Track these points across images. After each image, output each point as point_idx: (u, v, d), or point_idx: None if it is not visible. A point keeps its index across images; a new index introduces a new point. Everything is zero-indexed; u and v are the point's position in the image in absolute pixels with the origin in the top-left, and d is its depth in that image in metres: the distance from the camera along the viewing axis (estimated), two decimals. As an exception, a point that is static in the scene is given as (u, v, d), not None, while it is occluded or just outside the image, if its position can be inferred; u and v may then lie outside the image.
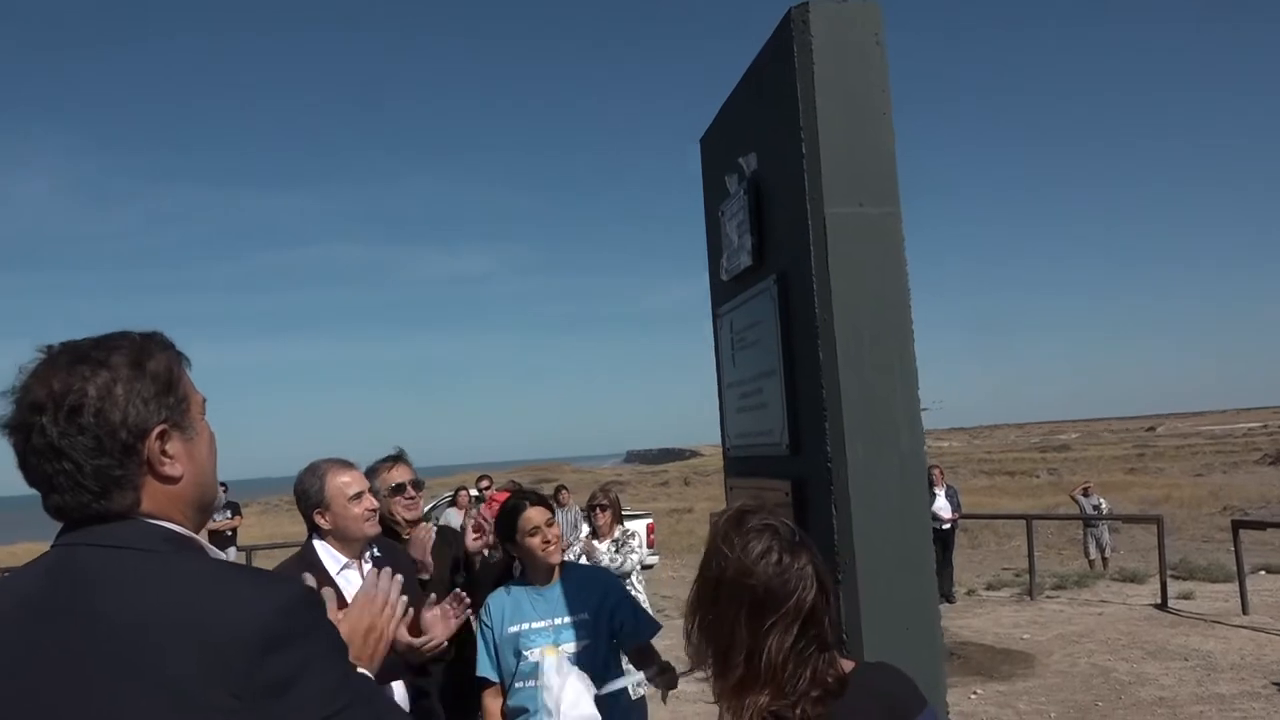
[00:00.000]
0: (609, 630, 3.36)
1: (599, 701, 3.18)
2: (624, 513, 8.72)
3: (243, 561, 16.20)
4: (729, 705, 1.63)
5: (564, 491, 14.44)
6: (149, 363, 1.37)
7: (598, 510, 7.54)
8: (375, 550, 3.32)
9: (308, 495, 3.24)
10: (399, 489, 3.74)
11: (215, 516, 15.72)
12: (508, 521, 3.39)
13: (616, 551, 7.15)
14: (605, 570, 3.87)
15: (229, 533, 15.76)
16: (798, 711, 1.59)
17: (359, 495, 3.23)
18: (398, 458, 3.84)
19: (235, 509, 16.06)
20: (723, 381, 3.21)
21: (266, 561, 18.55)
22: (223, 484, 16.24)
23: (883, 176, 2.38)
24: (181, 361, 1.44)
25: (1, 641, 1.26)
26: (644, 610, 3.64)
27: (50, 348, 1.37)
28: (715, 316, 3.24)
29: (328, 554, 3.22)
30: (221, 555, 1.40)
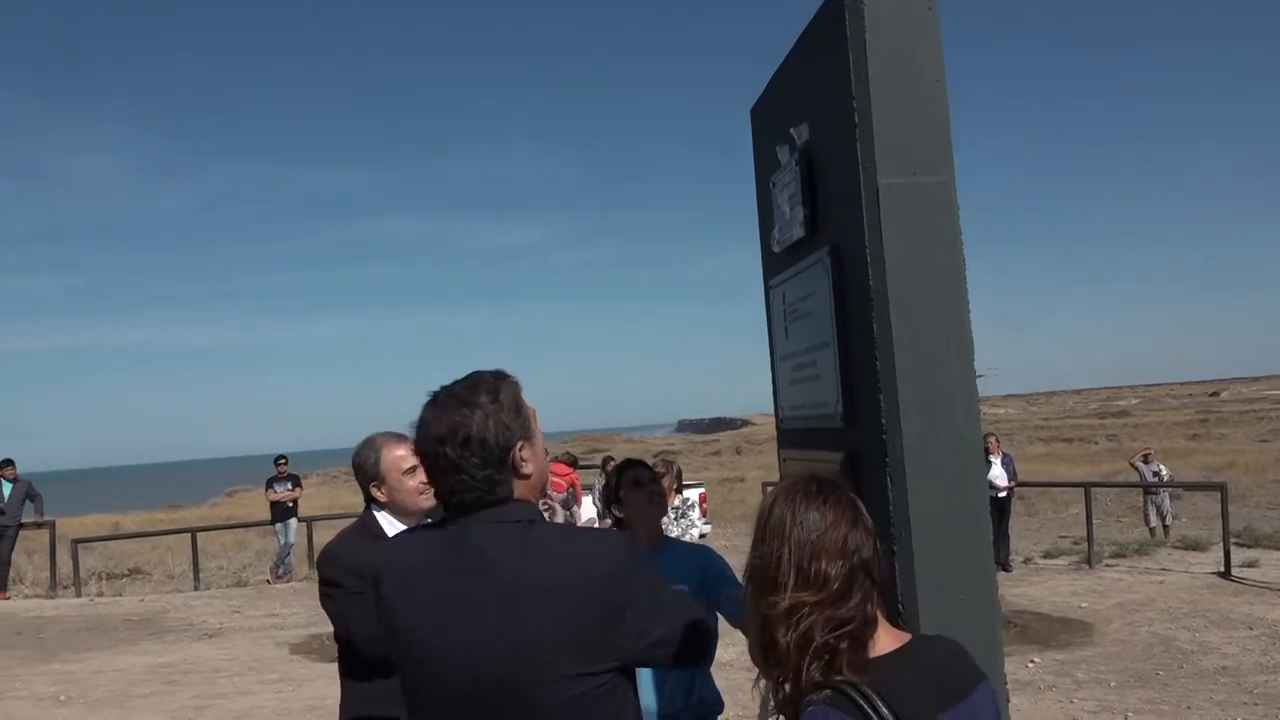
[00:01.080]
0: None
1: None
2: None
3: (305, 531, 16.54)
4: (782, 676, 1.63)
5: (611, 461, 14.51)
6: (503, 396, 1.96)
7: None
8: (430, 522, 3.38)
9: (364, 469, 3.29)
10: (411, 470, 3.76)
11: (276, 488, 16.07)
12: (614, 481, 3.49)
13: (675, 521, 7.18)
14: (707, 547, 3.87)
15: (290, 504, 16.07)
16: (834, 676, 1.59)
17: (414, 469, 3.26)
18: (401, 436, 3.86)
19: (296, 481, 16.36)
20: (775, 354, 3.20)
21: (327, 532, 18.93)
22: (283, 457, 16.57)
23: (936, 145, 2.35)
24: (519, 388, 2.03)
25: (420, 590, 1.92)
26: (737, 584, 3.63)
27: (435, 394, 1.98)
28: (767, 288, 3.23)
29: (387, 522, 3.28)
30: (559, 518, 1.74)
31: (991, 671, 2.24)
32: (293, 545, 16.10)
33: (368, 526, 3.29)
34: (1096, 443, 47.89)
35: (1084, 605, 10.60)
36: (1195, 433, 52.91)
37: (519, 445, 1.94)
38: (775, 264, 3.12)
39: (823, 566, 1.61)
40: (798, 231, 2.79)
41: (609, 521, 3.64)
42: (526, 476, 1.96)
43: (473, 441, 1.89)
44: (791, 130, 2.81)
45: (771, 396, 3.30)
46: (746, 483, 31.62)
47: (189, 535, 16.96)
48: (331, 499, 34.12)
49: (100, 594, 15.14)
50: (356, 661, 3.15)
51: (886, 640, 1.68)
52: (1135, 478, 17.85)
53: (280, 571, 15.83)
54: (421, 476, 3.28)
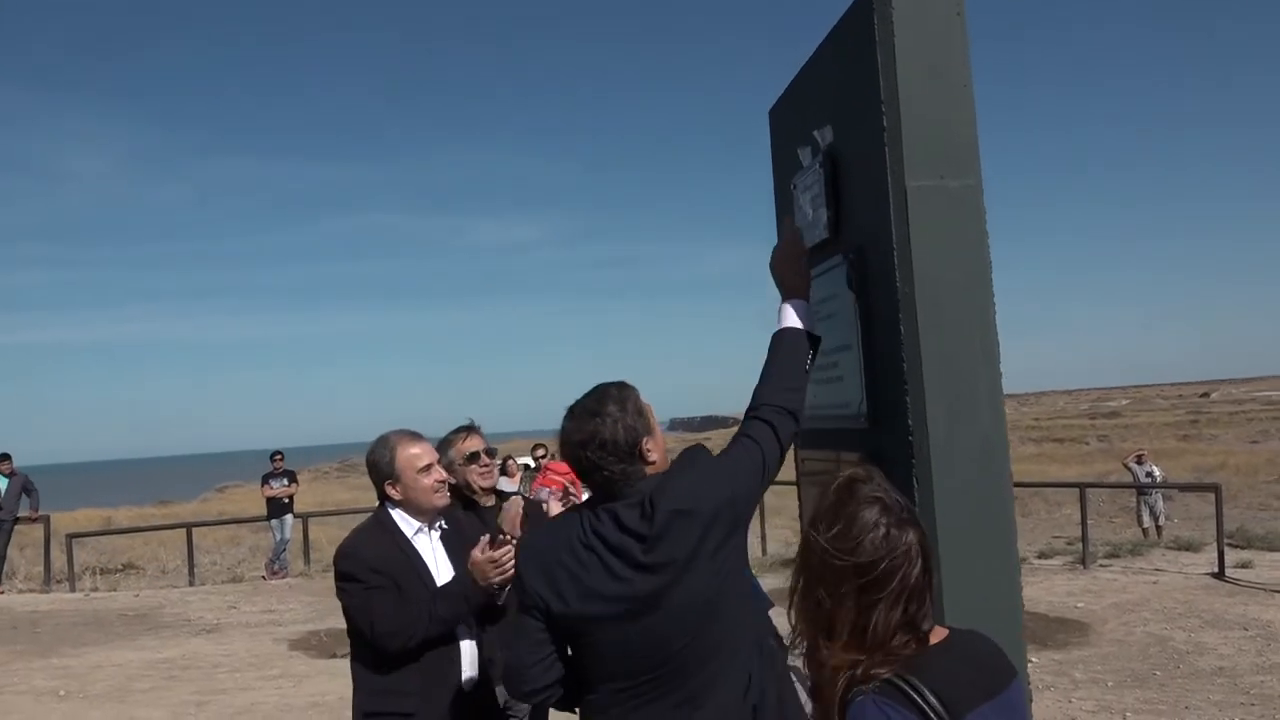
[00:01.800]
0: None
1: None
2: None
3: (300, 527, 16.52)
4: (827, 675, 1.65)
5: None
6: (626, 403, 2.35)
7: None
8: (443, 523, 3.39)
9: (378, 467, 3.31)
10: (474, 458, 3.83)
11: (272, 483, 16.04)
12: None
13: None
14: None
15: (286, 500, 16.03)
16: (886, 671, 1.62)
17: (428, 467, 3.29)
18: (470, 428, 3.91)
19: (291, 477, 16.33)
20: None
21: (321, 530, 18.91)
22: (279, 453, 16.54)
23: (964, 149, 2.37)
24: (637, 392, 2.41)
25: (589, 548, 2.26)
26: (759, 585, 3.62)
27: (571, 408, 2.38)
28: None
29: (402, 519, 3.30)
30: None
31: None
32: (288, 541, 16.07)
33: (383, 523, 3.30)
34: (1088, 443, 48.10)
35: (1080, 605, 10.63)
36: (1186, 433, 53.17)
37: (644, 440, 2.34)
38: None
39: (898, 573, 1.64)
40: (821, 233, 2.80)
41: None
42: (653, 463, 2.34)
43: (607, 444, 2.29)
44: (815, 132, 2.83)
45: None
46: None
47: (183, 531, 16.93)
48: (324, 495, 34.14)
49: (95, 589, 15.08)
50: (372, 655, 3.17)
51: (929, 635, 1.70)
52: (1128, 478, 17.93)
53: (276, 567, 15.80)
54: (438, 475, 3.31)
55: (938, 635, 1.72)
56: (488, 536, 3.18)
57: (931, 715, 1.58)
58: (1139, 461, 18.05)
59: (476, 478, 3.83)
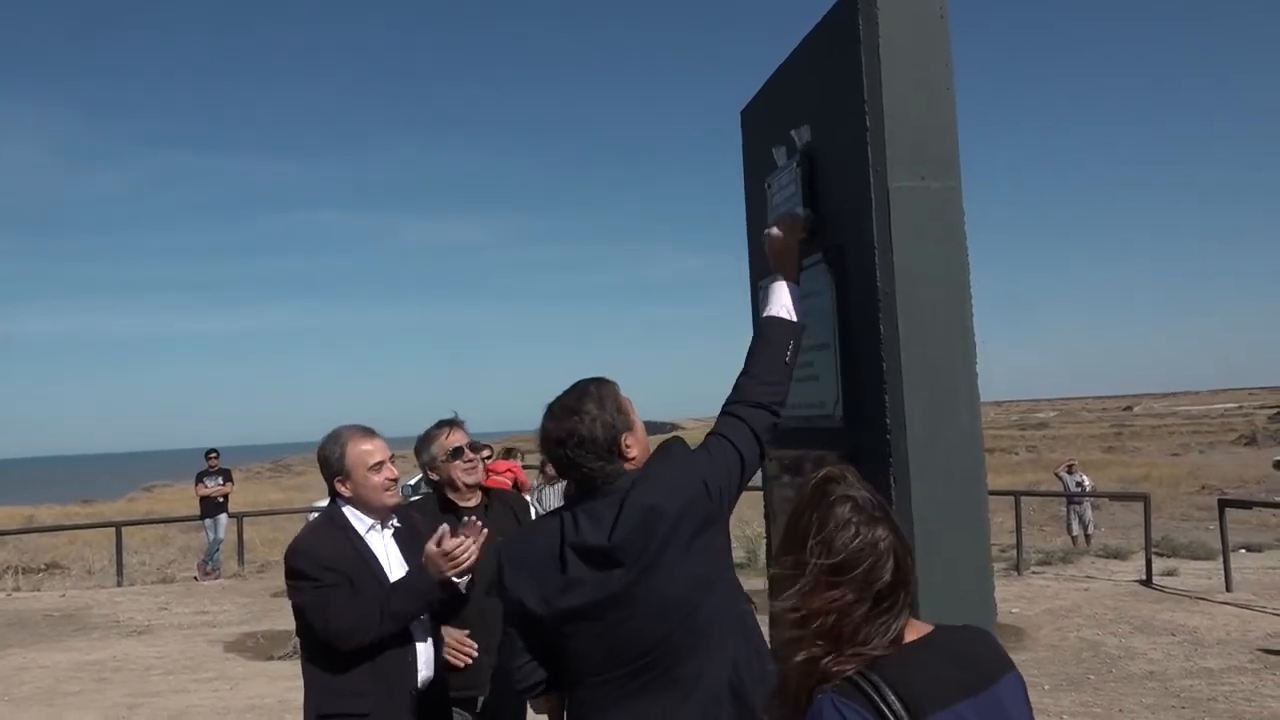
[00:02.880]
0: None
1: None
2: None
3: (235, 528, 16.18)
4: (793, 672, 1.64)
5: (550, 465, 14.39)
6: (606, 399, 2.34)
7: None
8: (395, 521, 3.32)
9: (329, 463, 3.23)
10: (457, 453, 3.72)
11: (207, 482, 15.69)
12: None
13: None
14: None
15: (220, 499, 15.69)
16: (851, 668, 1.59)
17: (379, 465, 3.21)
18: (453, 422, 3.81)
19: (227, 476, 15.99)
20: (763, 353, 3.22)
21: (254, 530, 18.54)
22: (214, 451, 16.19)
23: (945, 150, 2.40)
24: (617, 388, 2.41)
25: (550, 559, 2.24)
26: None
27: (550, 406, 2.36)
28: (756, 289, 3.26)
29: (354, 516, 3.23)
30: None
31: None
32: (222, 541, 15.73)
33: (334, 519, 3.23)
34: (1017, 453, 49.10)
35: (1014, 611, 10.85)
36: (1111, 445, 54.63)
37: (623, 436, 2.33)
38: (767, 265, 3.14)
39: (874, 572, 1.62)
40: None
41: None
42: (632, 459, 2.34)
43: (585, 442, 2.28)
44: (792, 132, 2.84)
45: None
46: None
47: (107, 530, 16.48)
48: (256, 495, 33.47)
49: (18, 589, 14.61)
50: (326, 655, 3.10)
51: (907, 633, 1.67)
52: (1059, 487, 18.36)
53: (209, 568, 15.45)
54: (388, 473, 3.25)
55: (918, 631, 1.69)
56: (445, 527, 3.13)
57: (889, 715, 1.55)
58: (1070, 471, 18.50)
59: (460, 474, 3.71)
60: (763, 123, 3.19)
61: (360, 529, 3.22)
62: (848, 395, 2.55)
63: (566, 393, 2.39)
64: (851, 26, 2.44)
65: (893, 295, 2.34)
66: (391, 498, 3.26)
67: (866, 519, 1.66)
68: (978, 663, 1.68)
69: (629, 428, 2.36)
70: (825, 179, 2.70)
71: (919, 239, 2.36)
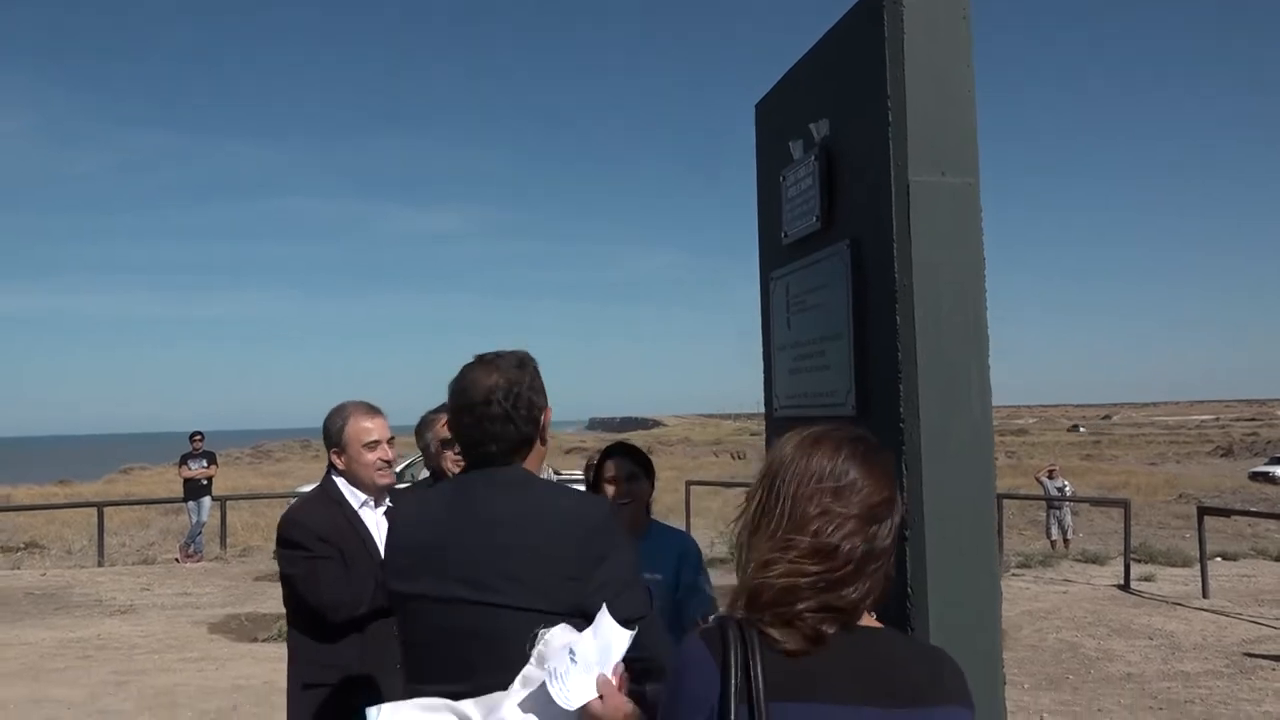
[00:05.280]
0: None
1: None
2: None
3: (218, 512, 16.13)
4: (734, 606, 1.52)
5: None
6: (536, 368, 2.22)
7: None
8: (390, 501, 3.34)
9: (329, 433, 3.27)
10: (450, 442, 3.60)
11: (191, 465, 15.63)
12: (595, 471, 3.47)
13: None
14: (687, 534, 3.86)
15: (204, 481, 15.64)
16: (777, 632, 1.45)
17: (375, 443, 3.24)
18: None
19: (211, 458, 15.94)
20: (772, 344, 3.28)
21: (236, 515, 18.46)
22: (198, 433, 16.13)
23: (965, 147, 2.45)
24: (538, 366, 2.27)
25: (428, 519, 2.12)
26: (707, 581, 3.48)
27: (482, 356, 2.19)
28: (767, 279, 3.30)
29: (348, 490, 3.26)
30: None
31: (991, 652, 2.36)
32: (204, 524, 15.68)
33: (328, 492, 3.26)
34: (996, 459, 49.39)
35: (995, 611, 10.98)
36: (1089, 453, 55.05)
37: (548, 413, 2.22)
38: (778, 256, 3.20)
39: (842, 539, 1.47)
40: (812, 225, 2.87)
41: None
42: (545, 441, 2.21)
43: (521, 398, 2.13)
44: (810, 125, 2.89)
45: (763, 388, 3.37)
46: (660, 482, 31.76)
47: (86, 511, 16.42)
48: (236, 481, 33.31)
49: (-5, 567, 14.54)
50: (314, 627, 3.10)
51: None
52: (1039, 492, 18.54)
53: (191, 550, 15.40)
54: (383, 453, 3.27)
55: (867, 622, 1.52)
56: None
57: (733, 676, 1.41)
58: (1050, 476, 18.71)
59: (451, 464, 3.64)
60: (779, 116, 3.23)
61: (354, 503, 3.25)
62: (860, 385, 2.60)
63: (503, 352, 2.22)
64: (875, 23, 2.49)
65: (909, 288, 2.39)
66: (384, 478, 3.28)
67: (890, 488, 1.56)
68: (904, 676, 1.46)
69: (548, 408, 2.25)
70: (843, 171, 2.75)
71: (937, 233, 2.40)
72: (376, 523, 3.28)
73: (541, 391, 2.20)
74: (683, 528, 16.12)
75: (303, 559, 3.09)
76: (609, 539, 2.04)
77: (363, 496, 3.28)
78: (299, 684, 3.13)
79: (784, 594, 1.45)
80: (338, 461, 3.26)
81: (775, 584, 1.45)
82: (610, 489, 3.38)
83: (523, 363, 2.19)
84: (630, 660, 1.91)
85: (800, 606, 1.44)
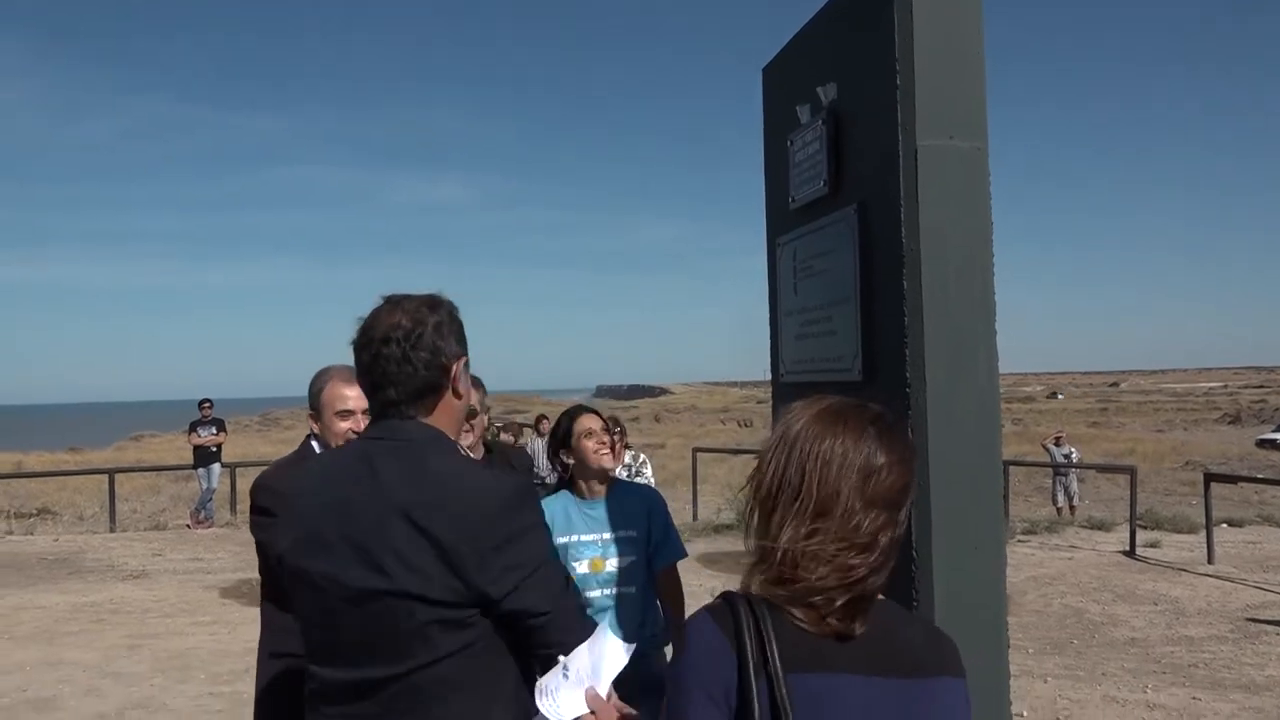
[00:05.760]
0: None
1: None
2: None
3: (228, 478, 16.24)
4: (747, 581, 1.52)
5: (544, 421, 14.48)
6: (455, 314, 2.00)
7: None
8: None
9: (310, 395, 3.22)
10: None
11: (200, 432, 15.72)
12: (564, 426, 3.50)
13: (630, 479, 7.30)
14: (653, 490, 3.92)
15: (214, 448, 15.74)
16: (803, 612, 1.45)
17: (348, 413, 3.12)
18: None
19: (220, 425, 16.03)
20: (779, 310, 3.27)
21: (245, 481, 18.57)
22: (207, 400, 16.21)
23: (973, 111, 2.43)
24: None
25: (324, 491, 1.91)
26: (675, 532, 3.67)
27: (389, 297, 1.99)
28: (774, 245, 3.30)
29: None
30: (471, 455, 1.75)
31: (996, 616, 2.37)
32: (215, 490, 15.80)
33: (305, 457, 3.16)
34: (1003, 426, 49.43)
35: (1000, 577, 11.04)
36: (1096, 420, 55.03)
37: (461, 361, 1.98)
38: (785, 222, 3.19)
39: (878, 530, 1.47)
40: (819, 189, 2.86)
41: (555, 470, 3.67)
42: (459, 396, 1.98)
43: (425, 340, 1.91)
44: (819, 89, 2.87)
45: (770, 354, 3.37)
46: (667, 449, 31.94)
47: (99, 477, 16.55)
48: (245, 448, 33.48)
49: (10, 532, 14.67)
50: (283, 594, 3.07)
51: None
52: (1046, 459, 18.56)
53: (201, 516, 15.52)
54: (353, 424, 3.11)
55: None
56: None
57: (749, 651, 1.42)
58: (1057, 443, 18.71)
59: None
60: (786, 80, 3.21)
61: None
62: (867, 350, 2.60)
63: (417, 295, 2.01)
64: (885, -15, 2.47)
65: (917, 252, 2.38)
66: None
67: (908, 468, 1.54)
68: (908, 650, 1.50)
69: (466, 363, 2.02)
70: (851, 136, 2.74)
71: (945, 197, 2.39)
72: None
73: (453, 338, 1.97)
74: (690, 494, 16.25)
75: (271, 525, 3.00)
76: (517, 519, 1.82)
77: None
78: (267, 653, 3.07)
79: (822, 585, 1.43)
80: (313, 425, 3.21)
81: (813, 572, 1.43)
82: (589, 443, 3.48)
83: (434, 304, 1.98)
84: (535, 653, 1.84)
85: (839, 602, 1.43)
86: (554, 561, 1.91)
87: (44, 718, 6.27)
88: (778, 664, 1.40)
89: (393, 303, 1.97)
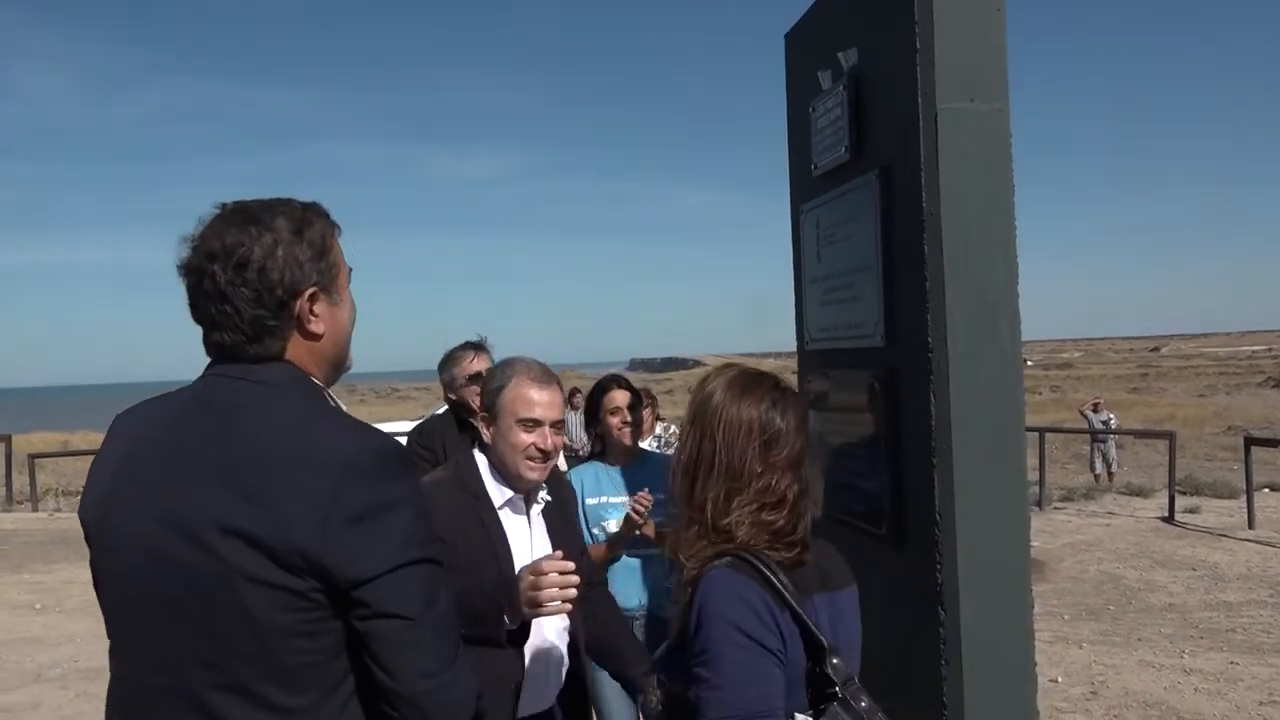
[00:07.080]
0: None
1: None
2: None
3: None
4: (687, 568, 1.75)
5: (577, 395, 14.52)
6: (308, 230, 1.57)
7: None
8: (546, 494, 3.17)
9: (485, 391, 3.08)
10: (476, 378, 3.59)
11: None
12: (594, 400, 3.58)
13: (662, 448, 7.34)
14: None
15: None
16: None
17: (533, 423, 2.56)
18: (478, 346, 3.80)
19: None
20: (804, 277, 3.28)
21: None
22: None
23: (994, 72, 2.42)
24: (335, 231, 1.64)
25: (150, 439, 1.55)
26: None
27: (224, 205, 1.59)
28: (797, 213, 3.30)
29: (489, 476, 3.20)
30: (343, 405, 1.61)
31: (1017, 580, 2.38)
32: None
33: (463, 464, 2.99)
34: (1041, 393, 48.95)
35: (1036, 544, 10.95)
36: (1136, 386, 54.34)
37: (310, 292, 1.55)
38: (809, 189, 3.19)
39: (785, 488, 1.75)
40: (842, 155, 2.85)
41: (587, 441, 3.75)
42: (313, 337, 1.57)
43: (250, 267, 1.50)
44: (839, 55, 2.86)
45: (795, 321, 3.38)
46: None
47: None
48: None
49: (58, 510, 15.02)
50: None
51: None
52: (1084, 425, 18.39)
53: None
54: (538, 437, 2.58)
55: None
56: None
57: (784, 591, 1.65)
58: (1095, 410, 18.52)
59: (474, 398, 3.53)
60: (808, 46, 3.20)
61: (496, 499, 2.63)
62: (889, 316, 2.61)
63: (259, 200, 1.61)
64: (903, -52, 2.45)
65: (938, 216, 2.38)
66: (533, 471, 2.59)
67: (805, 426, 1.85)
68: (829, 567, 1.84)
69: (326, 290, 1.59)
70: (872, 101, 2.73)
71: (966, 161, 2.39)
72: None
73: (301, 264, 1.54)
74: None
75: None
76: (374, 492, 1.44)
77: (508, 492, 2.63)
78: None
79: (753, 541, 1.71)
80: (486, 431, 2.63)
81: (741, 531, 1.71)
82: (614, 420, 3.58)
83: (261, 218, 1.55)
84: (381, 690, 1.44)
85: (779, 549, 1.72)
86: (428, 556, 1.48)
87: (95, 688, 6.44)
88: (793, 593, 1.67)
89: (224, 216, 1.57)
